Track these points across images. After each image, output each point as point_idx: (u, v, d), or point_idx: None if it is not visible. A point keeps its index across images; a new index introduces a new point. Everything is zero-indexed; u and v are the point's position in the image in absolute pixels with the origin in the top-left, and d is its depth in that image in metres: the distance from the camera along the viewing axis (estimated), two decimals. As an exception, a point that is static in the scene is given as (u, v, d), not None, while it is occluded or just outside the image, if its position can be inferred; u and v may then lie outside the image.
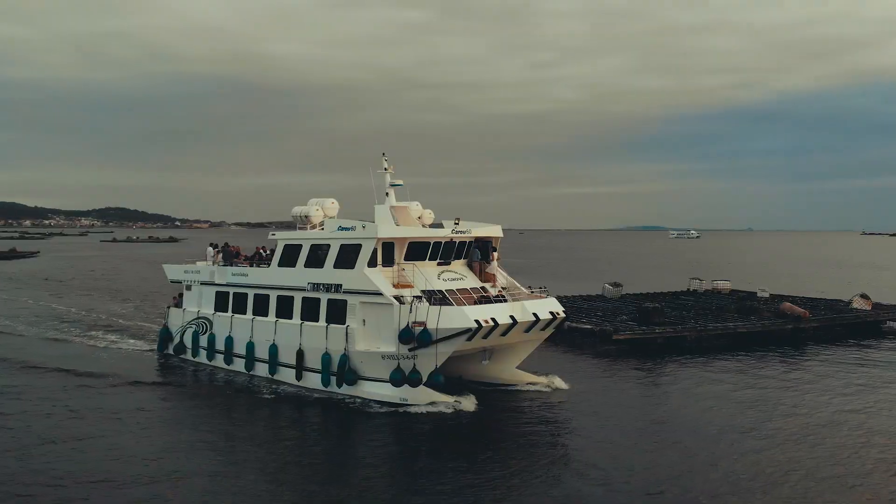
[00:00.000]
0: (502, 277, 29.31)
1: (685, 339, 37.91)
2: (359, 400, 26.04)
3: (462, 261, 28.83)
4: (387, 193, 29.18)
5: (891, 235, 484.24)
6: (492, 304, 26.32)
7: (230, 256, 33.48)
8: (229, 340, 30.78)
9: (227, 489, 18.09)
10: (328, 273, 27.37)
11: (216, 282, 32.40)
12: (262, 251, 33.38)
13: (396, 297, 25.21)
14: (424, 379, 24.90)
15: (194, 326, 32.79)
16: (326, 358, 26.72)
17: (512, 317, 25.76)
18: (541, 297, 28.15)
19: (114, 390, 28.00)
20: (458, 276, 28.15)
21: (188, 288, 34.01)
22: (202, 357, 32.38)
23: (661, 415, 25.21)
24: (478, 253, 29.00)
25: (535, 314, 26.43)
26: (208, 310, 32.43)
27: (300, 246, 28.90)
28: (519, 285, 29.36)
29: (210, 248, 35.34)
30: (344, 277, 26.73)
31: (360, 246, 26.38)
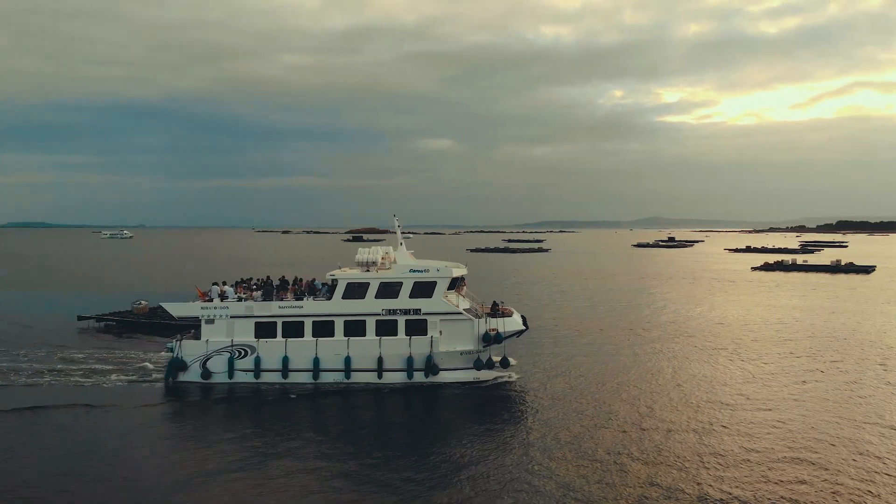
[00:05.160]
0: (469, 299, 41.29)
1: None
2: (441, 383, 36.90)
3: None
4: (401, 243, 40.30)
5: (282, 232, 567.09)
6: (515, 315, 39.48)
7: (271, 294, 39.55)
8: (286, 359, 37.33)
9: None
10: (404, 301, 37.61)
11: (256, 314, 38.17)
12: (254, 285, 40.79)
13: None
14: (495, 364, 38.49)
15: (227, 353, 37.82)
16: (410, 360, 37.06)
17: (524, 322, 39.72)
18: (512, 311, 40.25)
19: (213, 417, 32.40)
20: (462, 299, 39.86)
21: (209, 322, 38.48)
22: (243, 377, 37.55)
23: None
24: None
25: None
26: (246, 338, 38.03)
27: (367, 283, 37.91)
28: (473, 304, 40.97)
29: (214, 287, 39.86)
30: (422, 304, 37.54)
31: (435, 283, 37.72)
